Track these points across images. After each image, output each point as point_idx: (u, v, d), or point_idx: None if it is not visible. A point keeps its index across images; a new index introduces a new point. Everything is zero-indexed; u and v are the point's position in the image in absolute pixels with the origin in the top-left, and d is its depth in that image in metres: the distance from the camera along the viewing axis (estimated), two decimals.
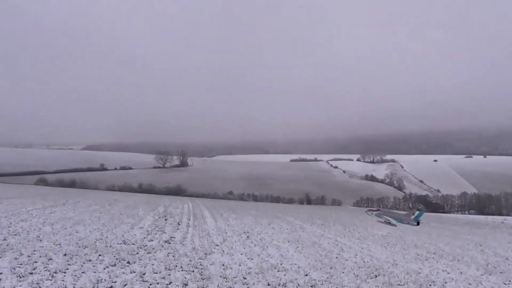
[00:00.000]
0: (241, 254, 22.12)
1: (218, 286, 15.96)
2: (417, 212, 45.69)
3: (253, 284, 16.65)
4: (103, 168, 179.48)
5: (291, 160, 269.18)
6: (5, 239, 20.27)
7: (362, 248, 27.69)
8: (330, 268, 20.49)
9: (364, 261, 22.92)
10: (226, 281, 16.64)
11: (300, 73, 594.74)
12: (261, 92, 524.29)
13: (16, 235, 21.71)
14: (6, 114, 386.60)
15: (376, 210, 49.61)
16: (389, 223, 44.33)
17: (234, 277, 17.28)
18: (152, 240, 23.83)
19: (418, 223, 41.67)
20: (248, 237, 28.71)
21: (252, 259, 21.11)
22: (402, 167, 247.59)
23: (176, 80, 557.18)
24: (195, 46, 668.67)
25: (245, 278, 17.27)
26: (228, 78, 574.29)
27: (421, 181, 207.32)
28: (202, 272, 17.70)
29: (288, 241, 28.11)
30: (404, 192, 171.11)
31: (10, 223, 25.45)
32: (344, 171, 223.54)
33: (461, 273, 21.96)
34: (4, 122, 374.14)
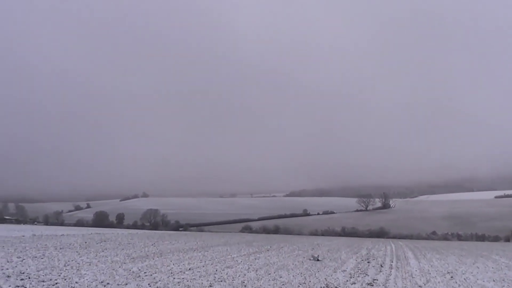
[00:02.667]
0: None
1: None
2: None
3: None
4: (306, 214, 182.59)
5: (496, 197, 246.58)
6: (211, 286, 21.30)
7: None
8: None
9: None
10: None
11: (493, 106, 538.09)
12: (460, 128, 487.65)
13: (221, 281, 22.67)
14: (211, 166, 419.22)
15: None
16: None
17: None
18: (355, 283, 23.79)
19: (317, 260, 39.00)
20: (452, 277, 27.68)
21: None
22: None
23: (373, 117, 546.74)
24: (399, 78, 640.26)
25: None
26: (425, 112, 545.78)
27: None
28: None
29: (494, 280, 26.74)
30: None
31: (216, 270, 26.88)
32: None
33: None
34: (210, 173, 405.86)
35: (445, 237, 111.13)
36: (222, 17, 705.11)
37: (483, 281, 26.11)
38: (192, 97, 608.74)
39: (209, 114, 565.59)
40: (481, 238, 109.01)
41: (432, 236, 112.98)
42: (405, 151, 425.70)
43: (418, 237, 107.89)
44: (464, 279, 26.93)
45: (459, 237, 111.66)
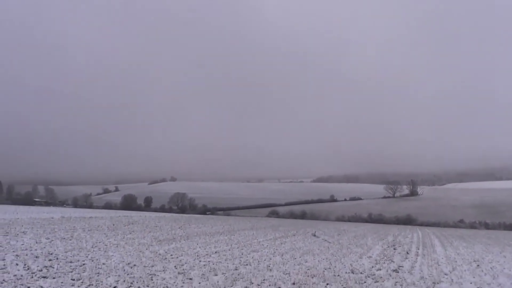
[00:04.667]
0: (471, 283, 21.22)
1: None
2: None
3: None
4: (333, 200, 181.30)
5: None
6: (236, 269, 21.33)
7: None
8: None
9: None
10: None
11: None
12: (490, 117, 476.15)
13: (247, 265, 22.76)
14: (240, 151, 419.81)
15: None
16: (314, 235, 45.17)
17: None
18: (380, 269, 23.74)
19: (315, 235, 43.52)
20: (478, 265, 27.57)
21: None
22: None
23: (404, 105, 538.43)
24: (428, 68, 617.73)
25: None
26: (455, 102, 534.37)
27: None
28: None
29: None
30: None
31: (242, 254, 27.07)
32: None
33: None
34: (238, 158, 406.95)
35: (472, 226, 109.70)
36: (268, 7, 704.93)
37: (510, 270, 25.91)
38: (220, 83, 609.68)
39: (237, 99, 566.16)
40: (509, 227, 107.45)
41: (459, 224, 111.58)
42: (434, 139, 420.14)
43: (445, 225, 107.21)
44: (491, 267, 26.73)
45: (487, 226, 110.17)
